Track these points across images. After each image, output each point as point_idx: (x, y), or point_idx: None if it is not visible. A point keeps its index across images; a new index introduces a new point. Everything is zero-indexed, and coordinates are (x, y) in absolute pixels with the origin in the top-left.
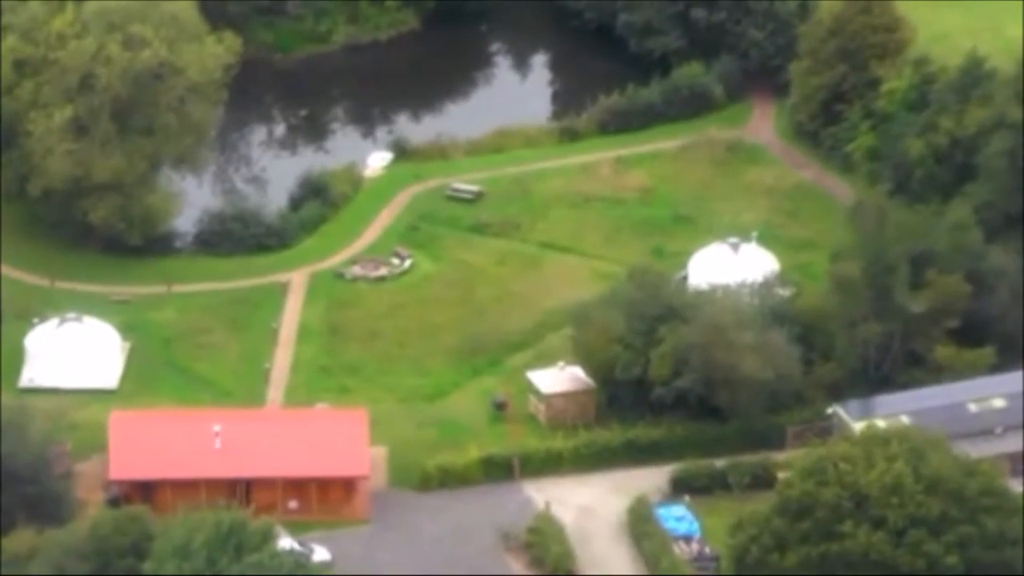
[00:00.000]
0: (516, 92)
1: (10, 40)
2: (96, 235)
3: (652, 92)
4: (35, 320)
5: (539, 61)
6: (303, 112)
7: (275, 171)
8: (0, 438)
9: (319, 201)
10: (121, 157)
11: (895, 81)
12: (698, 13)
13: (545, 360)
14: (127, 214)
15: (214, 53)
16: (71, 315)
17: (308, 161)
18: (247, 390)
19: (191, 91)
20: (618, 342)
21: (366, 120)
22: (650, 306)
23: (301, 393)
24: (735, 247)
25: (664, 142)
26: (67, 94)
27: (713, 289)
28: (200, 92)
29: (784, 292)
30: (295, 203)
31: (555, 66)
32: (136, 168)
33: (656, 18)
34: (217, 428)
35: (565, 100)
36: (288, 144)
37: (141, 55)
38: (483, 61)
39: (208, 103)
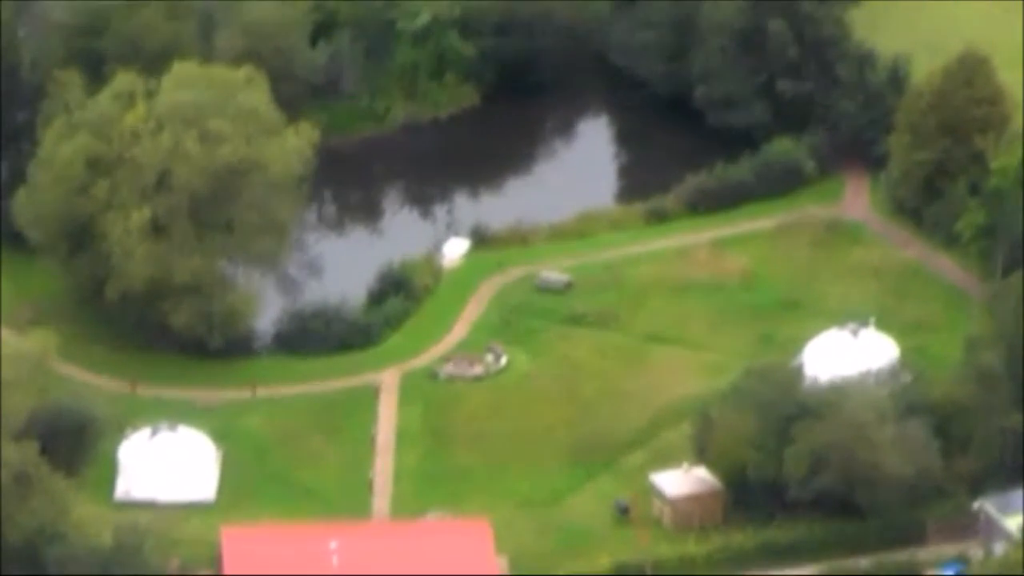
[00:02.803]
0: (588, 169)
1: (81, 138)
2: (175, 337)
3: (742, 169)
4: (128, 430)
5: (609, 135)
6: (365, 197)
7: (343, 262)
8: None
9: (401, 295)
10: (201, 257)
11: (1006, 157)
12: (784, 85)
13: (662, 459)
14: (208, 316)
15: (296, 147)
16: (164, 424)
17: (376, 250)
18: (351, 500)
19: (272, 187)
20: (749, 443)
21: (433, 204)
22: (781, 404)
23: (409, 502)
24: (855, 333)
25: (759, 221)
26: (144, 193)
27: (845, 383)
28: (281, 188)
29: (907, 378)
30: (375, 297)
31: (626, 140)
32: (216, 268)
33: (738, 90)
34: (334, 545)
35: (643, 178)
36: (351, 232)
37: (219, 151)
38: (550, 137)
39: (290, 199)
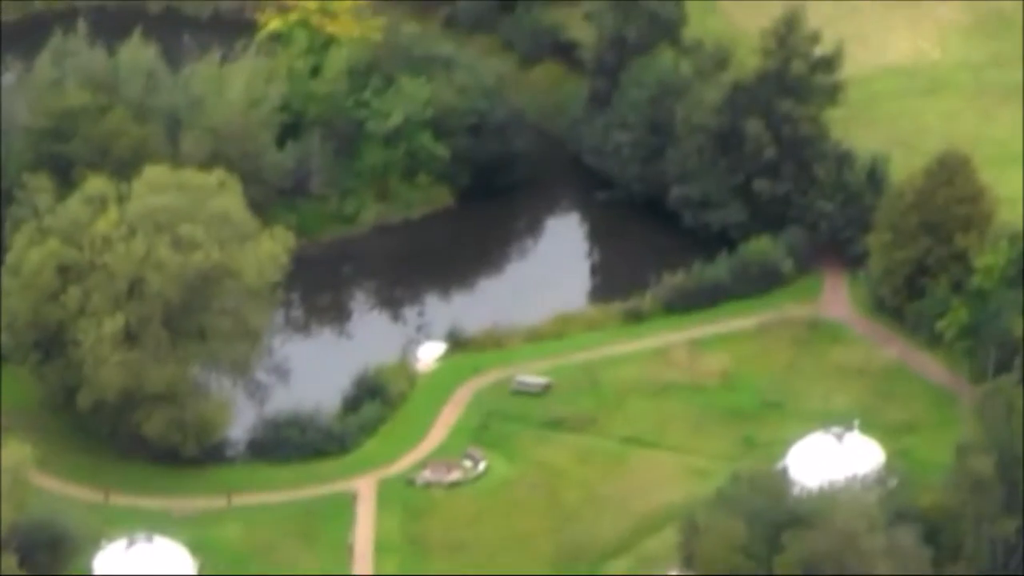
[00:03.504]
0: (563, 269)
1: (52, 244)
2: (149, 446)
3: (720, 269)
4: (103, 541)
5: (583, 234)
6: (335, 300)
7: (314, 366)
8: None
9: (376, 400)
10: (174, 365)
11: (989, 256)
12: (761, 184)
13: (647, 567)
14: (181, 424)
15: (270, 253)
16: (140, 535)
17: (348, 354)
18: None
19: (246, 294)
20: (738, 550)
21: (404, 306)
22: (770, 512)
23: None
24: (839, 437)
25: (738, 321)
26: (116, 300)
27: (833, 489)
28: (255, 294)
29: (893, 483)
30: (350, 403)
31: (601, 240)
32: (189, 376)
33: (714, 190)
34: None
35: (619, 277)
36: (321, 336)
37: (193, 258)
38: (524, 237)
39: (263, 305)
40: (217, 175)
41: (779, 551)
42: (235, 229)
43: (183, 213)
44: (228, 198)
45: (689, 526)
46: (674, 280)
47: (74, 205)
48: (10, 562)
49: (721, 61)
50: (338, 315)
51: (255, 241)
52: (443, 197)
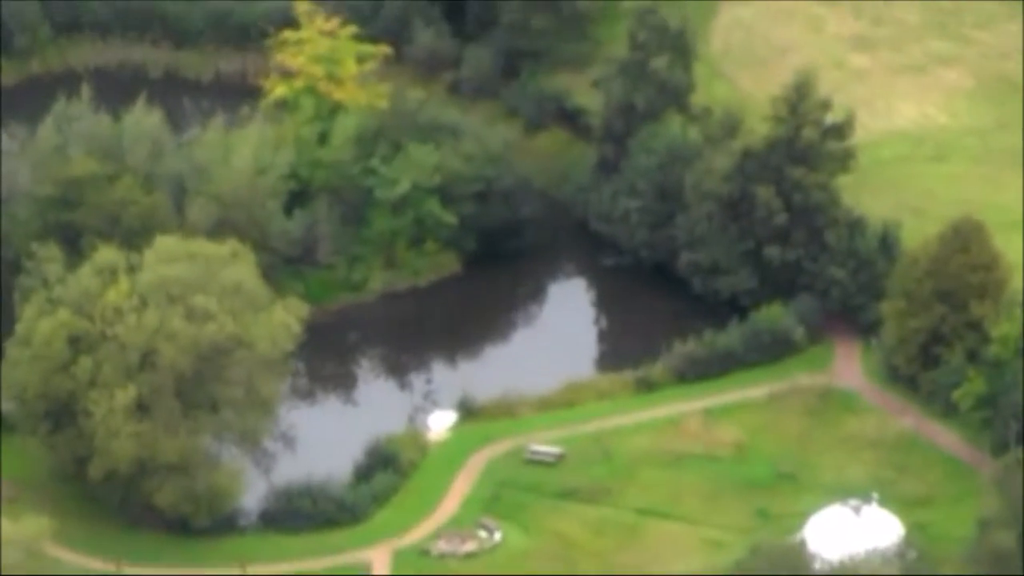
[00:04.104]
0: (572, 336)
1: (62, 314)
2: (160, 516)
3: (730, 337)
4: None
5: (591, 301)
6: (342, 368)
7: (322, 434)
8: None
9: (388, 470)
10: (186, 436)
11: (1006, 325)
12: (772, 252)
13: None
14: (193, 495)
15: (283, 323)
16: None
17: (356, 422)
18: None
19: (258, 364)
20: None
21: (413, 374)
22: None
23: None
24: (856, 510)
25: (749, 390)
26: (128, 372)
27: (854, 564)
28: (268, 364)
29: (912, 556)
30: (362, 473)
31: (610, 306)
32: (201, 447)
33: (724, 257)
34: None
35: (629, 344)
36: (329, 404)
37: (205, 329)
38: (532, 303)
39: (275, 375)
40: (230, 245)
41: None
42: (248, 299)
43: (195, 284)
44: (241, 268)
45: None
46: (685, 348)
47: (84, 275)
48: None
49: (731, 128)
50: (346, 383)
51: (268, 311)
52: (450, 263)
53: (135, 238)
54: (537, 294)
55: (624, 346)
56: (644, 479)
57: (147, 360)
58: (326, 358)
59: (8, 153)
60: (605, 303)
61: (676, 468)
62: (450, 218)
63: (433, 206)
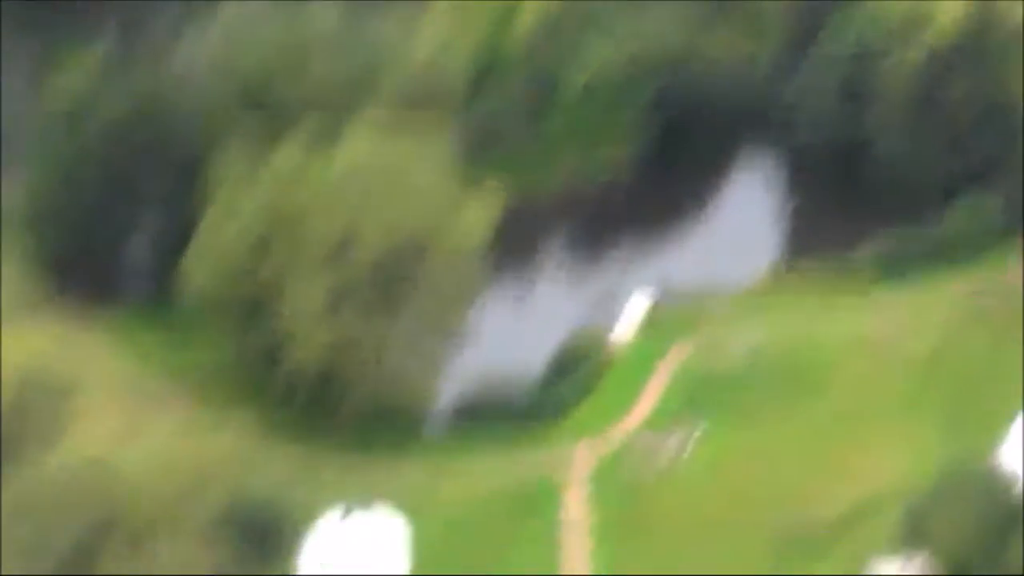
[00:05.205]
0: (760, 230)
1: (255, 201)
2: (352, 413)
3: (929, 232)
4: (312, 515)
5: (780, 192)
6: (524, 259)
7: (512, 329)
8: None
9: (582, 368)
10: (381, 331)
11: None
12: (969, 142)
13: (871, 552)
14: (387, 391)
15: (480, 214)
16: (349, 507)
17: (543, 316)
18: None
19: (457, 255)
20: (971, 534)
21: (597, 267)
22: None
23: None
24: None
25: (950, 287)
26: (323, 263)
27: None
28: (465, 257)
29: None
30: (554, 370)
31: (800, 197)
32: (397, 342)
33: (920, 148)
34: None
35: (821, 239)
36: (512, 297)
37: (403, 219)
38: (718, 195)
39: (474, 268)
40: (425, 133)
41: (1016, 533)
42: (444, 189)
43: (391, 172)
44: (436, 157)
45: (913, 513)
46: (880, 244)
47: (278, 162)
48: (225, 552)
49: (923, 18)
50: (530, 274)
51: (464, 202)
52: (636, 152)
53: (330, 124)
54: (723, 183)
55: (817, 239)
56: (843, 378)
57: (342, 251)
58: (509, 249)
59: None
60: (795, 193)
61: (875, 367)
62: (634, 108)
63: (616, 96)
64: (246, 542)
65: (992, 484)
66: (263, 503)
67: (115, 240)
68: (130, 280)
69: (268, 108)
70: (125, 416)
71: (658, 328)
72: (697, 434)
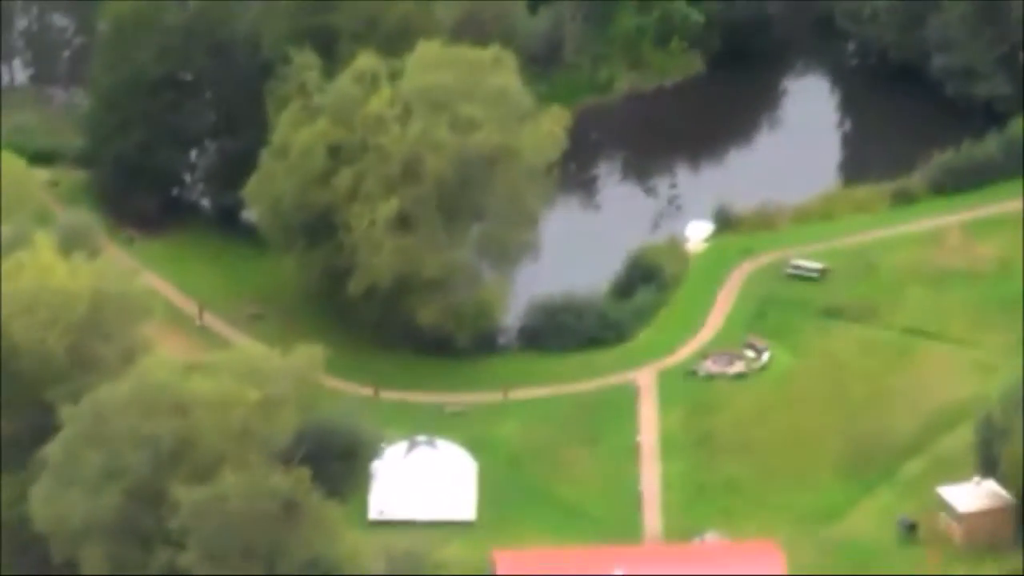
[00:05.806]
0: (820, 143)
1: (321, 124)
2: (418, 336)
3: (989, 146)
4: (382, 444)
5: (839, 105)
6: (585, 171)
7: (569, 243)
8: None
9: (650, 285)
10: (450, 251)
11: None
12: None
13: (943, 470)
14: (456, 312)
15: (549, 132)
16: (420, 438)
17: (605, 230)
18: (619, 517)
19: (525, 175)
20: None
21: (657, 179)
22: None
23: (680, 518)
24: None
25: (1009, 203)
26: (390, 183)
27: None
28: (533, 176)
29: None
30: (622, 287)
31: (858, 111)
32: (465, 262)
33: (978, 61)
34: (619, 572)
35: (881, 153)
36: (573, 210)
37: (472, 138)
38: (778, 106)
39: (541, 188)
40: (492, 51)
41: None
42: (513, 107)
43: (460, 91)
44: (504, 75)
45: (985, 428)
46: (942, 158)
47: (344, 82)
48: (302, 475)
49: None
50: (590, 188)
51: (533, 119)
52: (696, 63)
53: (393, 43)
54: (783, 96)
55: (875, 154)
56: (908, 297)
57: (410, 171)
58: (569, 161)
59: None
60: (854, 108)
61: (939, 285)
62: (696, 16)
63: (679, 3)
64: (317, 468)
65: None
66: (334, 429)
67: (174, 168)
68: (189, 209)
69: (324, 36)
70: (192, 342)
71: (724, 244)
72: (766, 354)
